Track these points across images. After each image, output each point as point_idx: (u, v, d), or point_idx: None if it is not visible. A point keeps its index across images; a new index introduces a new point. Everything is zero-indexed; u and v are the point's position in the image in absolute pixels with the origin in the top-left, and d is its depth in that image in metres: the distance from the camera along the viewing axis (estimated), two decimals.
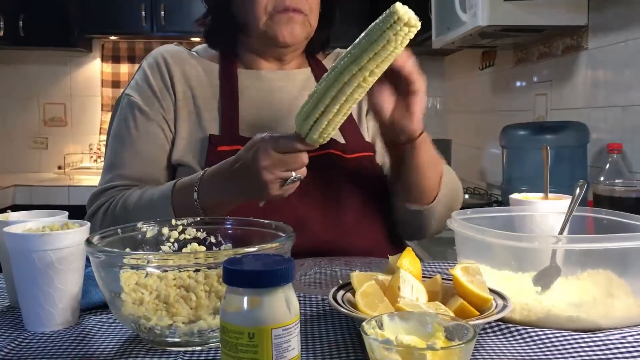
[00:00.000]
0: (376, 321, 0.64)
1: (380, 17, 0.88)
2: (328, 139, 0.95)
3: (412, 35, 0.86)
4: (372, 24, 0.88)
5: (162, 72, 1.25)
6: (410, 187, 1.17)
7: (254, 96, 1.25)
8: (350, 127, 1.26)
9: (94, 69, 4.06)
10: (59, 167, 4.02)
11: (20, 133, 4.03)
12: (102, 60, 4.04)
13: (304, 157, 0.97)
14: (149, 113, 1.23)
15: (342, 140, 1.24)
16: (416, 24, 0.86)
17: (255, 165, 0.96)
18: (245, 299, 0.59)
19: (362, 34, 0.89)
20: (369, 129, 1.32)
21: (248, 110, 1.24)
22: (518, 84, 2.71)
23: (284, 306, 0.60)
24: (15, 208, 1.04)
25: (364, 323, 0.63)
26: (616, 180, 1.36)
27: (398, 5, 0.86)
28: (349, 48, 0.91)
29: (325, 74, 0.93)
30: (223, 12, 1.27)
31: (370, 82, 0.90)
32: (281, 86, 1.28)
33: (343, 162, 1.21)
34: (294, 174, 0.97)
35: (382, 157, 1.27)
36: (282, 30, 1.19)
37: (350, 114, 1.25)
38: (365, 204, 1.22)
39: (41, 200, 3.39)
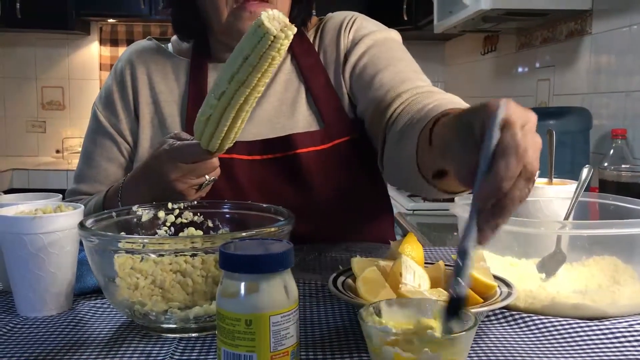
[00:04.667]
0: (374, 308, 0.62)
1: (251, 36, 0.83)
2: (232, 143, 0.93)
3: (291, 36, 0.83)
4: (245, 41, 0.84)
5: (125, 79, 1.22)
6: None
7: None
8: (330, 106, 1.16)
9: (92, 52, 4.02)
10: (57, 151, 3.99)
11: (17, 117, 4.00)
12: (101, 43, 4.00)
13: (214, 162, 0.96)
14: (105, 126, 1.22)
15: (317, 127, 1.15)
16: (290, 28, 0.82)
17: (165, 178, 0.96)
18: (242, 284, 0.57)
19: (237, 53, 0.85)
20: (355, 100, 1.17)
21: None
22: (520, 69, 2.68)
23: (282, 292, 0.58)
24: (13, 192, 1.02)
25: (361, 310, 0.61)
26: (622, 166, 1.33)
27: (266, 23, 0.81)
28: (229, 67, 0.86)
29: (213, 93, 0.89)
30: (183, 2, 1.19)
31: (262, 90, 0.89)
32: None
33: (316, 157, 1.13)
34: (207, 177, 0.97)
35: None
36: (247, 24, 1.09)
37: (331, 91, 1.16)
38: (343, 196, 1.15)
39: (39, 185, 3.38)
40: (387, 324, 0.61)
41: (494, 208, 0.58)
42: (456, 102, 0.97)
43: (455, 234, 0.97)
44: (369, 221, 1.21)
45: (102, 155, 1.22)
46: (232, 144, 0.94)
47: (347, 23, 1.21)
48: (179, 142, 0.96)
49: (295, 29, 0.83)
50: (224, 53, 1.20)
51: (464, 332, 0.57)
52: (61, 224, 0.79)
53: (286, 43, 0.83)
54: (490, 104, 0.60)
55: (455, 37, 3.56)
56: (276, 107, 1.17)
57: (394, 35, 1.21)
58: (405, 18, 3.32)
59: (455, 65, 3.75)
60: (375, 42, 1.17)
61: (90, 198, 1.18)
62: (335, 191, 1.15)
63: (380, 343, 0.57)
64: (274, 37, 0.81)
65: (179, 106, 1.19)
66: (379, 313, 0.62)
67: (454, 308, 0.57)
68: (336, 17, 1.24)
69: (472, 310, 0.70)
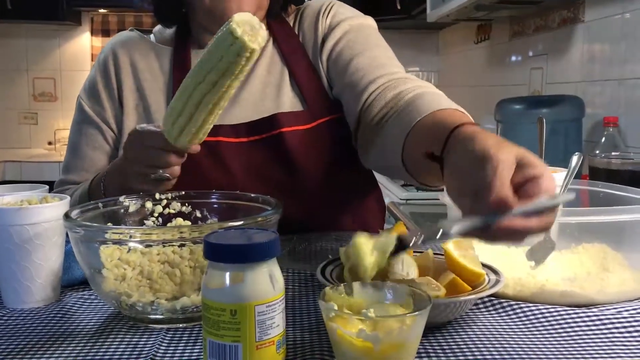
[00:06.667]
0: (345, 287, 0.64)
1: (221, 38, 0.80)
2: (199, 142, 0.91)
3: (262, 44, 0.80)
4: (214, 42, 0.81)
5: (108, 69, 1.22)
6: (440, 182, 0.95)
7: None
8: (312, 89, 1.17)
9: (84, 43, 3.99)
10: (49, 143, 3.97)
11: (9, 108, 3.97)
12: (92, 33, 3.97)
13: (170, 158, 0.92)
14: (89, 115, 1.22)
15: (301, 107, 1.15)
16: (262, 35, 0.79)
17: (124, 154, 0.97)
18: (227, 274, 0.57)
19: (208, 53, 0.83)
20: (332, 83, 1.18)
21: None
22: (513, 58, 2.67)
23: (267, 282, 0.57)
24: (5, 184, 1.02)
25: (327, 287, 0.62)
26: (612, 153, 1.33)
27: (234, 25, 0.77)
28: (200, 68, 0.84)
29: (184, 91, 0.87)
30: None
31: (229, 93, 0.86)
32: None
33: (301, 137, 1.13)
34: (160, 171, 0.94)
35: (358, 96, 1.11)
36: (229, 7, 1.10)
37: (312, 74, 1.17)
38: (329, 176, 1.16)
39: (31, 177, 3.36)
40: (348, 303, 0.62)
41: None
42: (433, 91, 0.99)
43: None
44: (356, 201, 1.22)
45: (88, 144, 1.22)
46: (190, 143, 0.91)
47: (325, 9, 1.22)
48: (147, 127, 0.95)
49: (266, 38, 0.80)
50: (206, 38, 1.21)
51: (398, 316, 0.58)
52: (47, 215, 0.78)
53: (255, 52, 0.80)
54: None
55: (449, 26, 3.55)
56: (260, 90, 1.17)
57: (370, 22, 1.23)
58: (399, 7, 3.31)
59: (449, 54, 3.74)
60: (351, 27, 1.19)
61: (77, 187, 1.18)
62: (322, 171, 1.15)
63: (326, 320, 0.59)
64: (242, 44, 0.78)
65: (164, 93, 1.19)
66: (351, 293, 0.64)
67: (399, 248, 0.65)
68: (314, 3, 1.26)
69: (461, 299, 0.70)
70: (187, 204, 0.92)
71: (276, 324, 0.58)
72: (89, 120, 1.22)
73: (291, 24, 1.24)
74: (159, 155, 0.93)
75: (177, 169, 0.95)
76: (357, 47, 1.15)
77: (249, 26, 0.79)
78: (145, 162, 0.94)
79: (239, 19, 0.79)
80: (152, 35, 1.29)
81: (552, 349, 0.67)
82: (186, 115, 0.87)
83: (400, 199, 2.35)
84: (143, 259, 0.75)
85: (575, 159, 0.95)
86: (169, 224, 0.90)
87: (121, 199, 0.89)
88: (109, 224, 0.85)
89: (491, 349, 0.66)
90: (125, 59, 1.22)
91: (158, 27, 1.29)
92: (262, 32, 0.80)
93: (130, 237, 0.73)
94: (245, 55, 0.80)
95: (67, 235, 0.81)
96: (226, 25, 0.80)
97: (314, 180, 1.14)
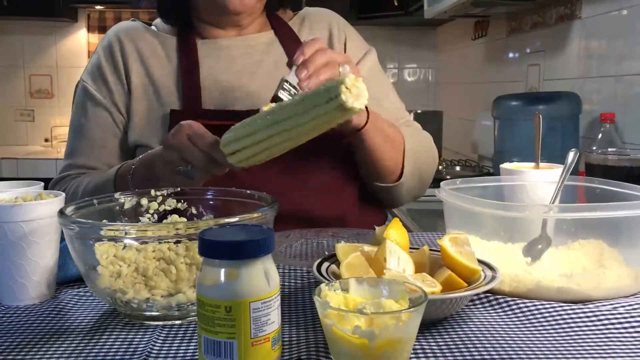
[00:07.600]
0: (340, 284, 0.64)
1: (326, 92, 0.81)
2: (244, 165, 0.90)
3: (362, 107, 0.81)
4: (319, 93, 0.82)
5: (114, 54, 1.23)
6: (371, 168, 1.16)
7: (213, 66, 1.21)
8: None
9: (80, 40, 3.98)
10: (46, 140, 3.96)
11: (5, 105, 3.96)
12: (88, 30, 3.96)
13: (202, 157, 0.92)
14: (97, 98, 1.22)
15: None
16: (362, 100, 0.80)
17: (164, 142, 0.97)
18: (222, 271, 0.57)
19: (309, 98, 0.83)
20: None
21: (208, 81, 1.19)
22: (511, 54, 2.67)
23: (262, 278, 0.57)
24: (1, 181, 1.01)
25: (322, 284, 0.62)
26: (609, 150, 1.33)
27: (344, 89, 0.79)
28: (304, 112, 0.84)
29: (273, 124, 0.86)
30: None
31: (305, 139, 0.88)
32: (241, 53, 1.23)
33: None
34: (189, 167, 0.94)
35: None
36: None
37: None
38: (335, 168, 1.18)
39: (28, 174, 3.35)
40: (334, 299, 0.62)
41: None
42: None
43: None
44: (363, 199, 1.23)
45: (96, 125, 1.21)
46: (240, 164, 0.90)
47: (338, 29, 1.28)
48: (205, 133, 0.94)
49: (366, 102, 0.81)
50: (209, 30, 1.24)
51: (394, 313, 0.58)
52: (41, 212, 0.78)
53: (355, 111, 0.81)
54: None
55: (446, 23, 3.54)
56: (269, 84, 1.17)
57: (374, 54, 1.30)
58: (396, 3, 3.30)
59: (446, 51, 3.74)
60: (367, 70, 1.24)
61: (91, 174, 1.17)
62: (328, 164, 1.17)
63: (322, 316, 0.59)
64: (348, 107, 0.80)
65: (173, 79, 1.20)
66: (346, 289, 0.63)
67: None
68: (316, 13, 1.30)
69: (457, 295, 0.70)
70: (182, 201, 0.92)
71: (271, 321, 0.58)
72: (96, 102, 1.22)
73: (295, 30, 1.27)
74: (192, 150, 0.92)
75: (199, 177, 0.95)
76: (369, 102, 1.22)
77: (356, 88, 0.80)
78: (182, 154, 0.94)
79: (349, 81, 0.80)
80: (153, 27, 1.30)
81: (548, 345, 0.67)
82: (262, 146, 0.87)
83: None
84: (138, 255, 0.75)
85: (571, 155, 0.95)
86: (164, 221, 0.90)
87: (116, 195, 0.89)
88: (104, 220, 0.84)
89: (487, 345, 0.66)
90: (130, 45, 1.23)
91: (158, 20, 1.30)
92: (364, 97, 0.81)
93: (126, 233, 0.73)
94: (344, 115, 0.82)
95: (62, 232, 0.81)
96: (337, 82, 0.80)
97: (321, 173, 1.16)
